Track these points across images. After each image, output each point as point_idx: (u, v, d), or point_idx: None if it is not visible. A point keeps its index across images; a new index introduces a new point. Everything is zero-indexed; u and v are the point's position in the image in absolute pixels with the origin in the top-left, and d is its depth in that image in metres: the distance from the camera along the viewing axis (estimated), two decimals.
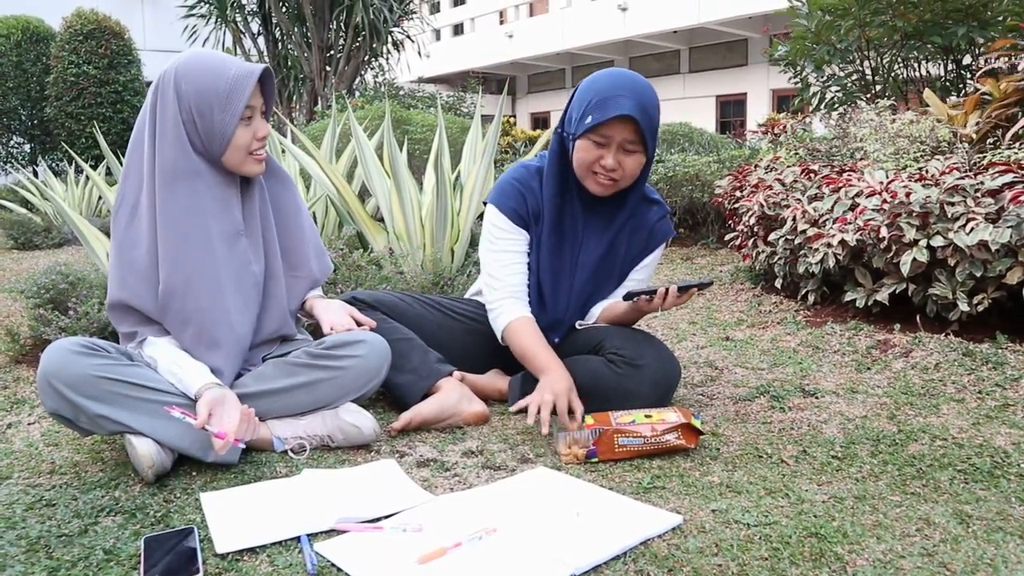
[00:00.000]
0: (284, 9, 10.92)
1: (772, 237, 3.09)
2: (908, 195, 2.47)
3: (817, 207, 2.87)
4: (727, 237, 3.80)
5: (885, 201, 2.54)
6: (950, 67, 4.58)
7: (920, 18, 4.14)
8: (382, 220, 3.34)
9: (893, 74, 4.78)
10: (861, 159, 3.40)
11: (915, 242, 2.41)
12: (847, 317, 2.75)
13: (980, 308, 2.33)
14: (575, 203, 1.96)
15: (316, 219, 3.61)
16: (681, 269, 4.17)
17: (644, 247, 2.03)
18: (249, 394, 1.69)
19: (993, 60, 3.69)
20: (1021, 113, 2.99)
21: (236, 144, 1.67)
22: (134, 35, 10.79)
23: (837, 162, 3.51)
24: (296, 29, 10.97)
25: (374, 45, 11.01)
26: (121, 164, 1.75)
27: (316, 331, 1.92)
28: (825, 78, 5.00)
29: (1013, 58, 3.44)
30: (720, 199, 3.98)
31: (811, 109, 5.12)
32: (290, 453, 1.70)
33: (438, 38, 25.24)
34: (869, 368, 2.29)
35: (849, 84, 4.92)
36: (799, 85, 5.21)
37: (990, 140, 3.03)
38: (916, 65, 4.68)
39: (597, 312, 2.01)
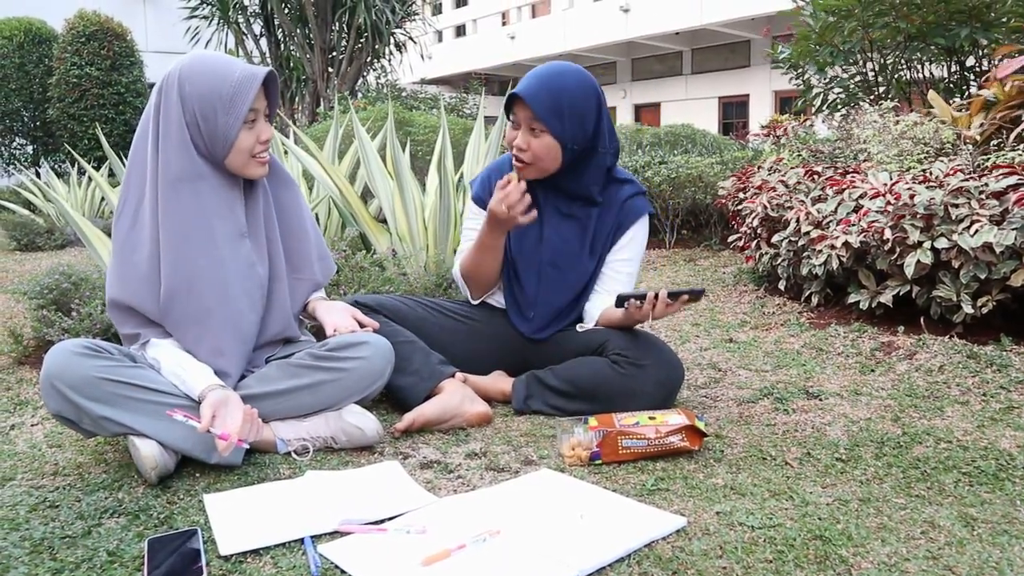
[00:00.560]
0: (286, 10, 10.92)
1: (775, 239, 3.08)
2: (912, 197, 2.47)
3: (821, 209, 2.87)
4: (730, 239, 3.80)
5: (889, 203, 2.54)
6: (953, 69, 4.58)
7: (923, 19, 4.13)
8: (385, 221, 3.34)
9: (896, 75, 4.77)
10: (864, 161, 3.40)
11: (919, 244, 2.41)
12: (851, 319, 2.74)
13: (984, 310, 2.33)
14: (541, 193, 2.02)
15: (319, 220, 3.61)
16: (684, 270, 4.17)
17: (616, 225, 2.04)
18: (252, 395, 1.68)
19: (997, 63, 3.68)
20: None
21: (239, 147, 1.67)
22: (136, 36, 10.79)
23: (840, 164, 3.50)
24: (298, 30, 10.98)
25: (376, 46, 11.02)
26: (123, 165, 1.75)
27: (319, 333, 1.92)
28: (828, 79, 4.99)
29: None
30: (723, 201, 3.97)
31: (813, 111, 5.11)
32: (293, 455, 1.69)
33: (440, 39, 25.26)
34: (873, 370, 2.28)
35: (852, 86, 4.92)
36: (801, 87, 5.20)
37: (994, 142, 3.02)
38: (919, 66, 4.68)
39: (596, 314, 2.00)
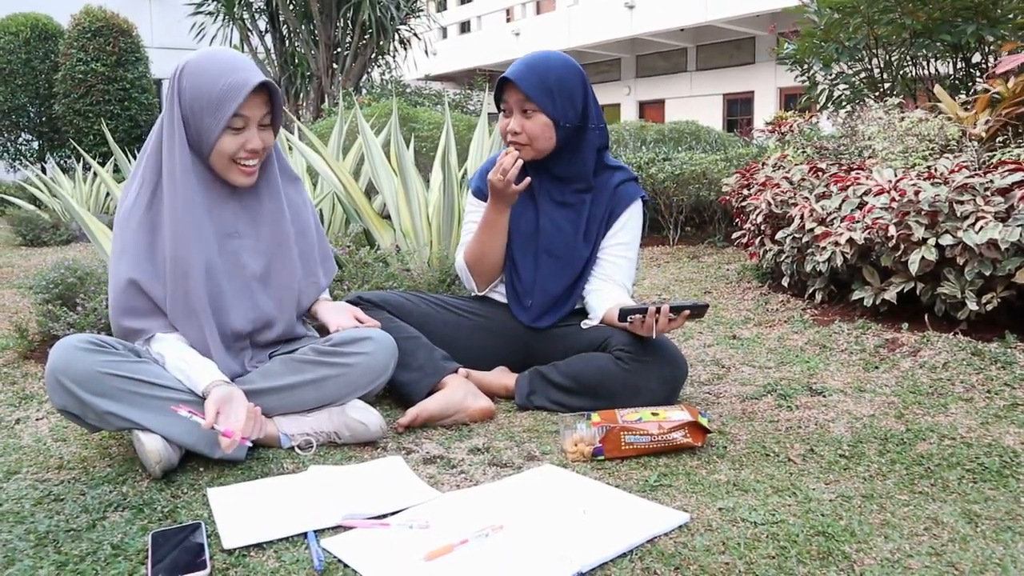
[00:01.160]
0: (291, 7, 10.92)
1: (779, 235, 3.08)
2: (917, 193, 2.46)
3: (825, 205, 2.86)
4: (734, 235, 3.79)
5: (893, 199, 2.53)
6: (959, 65, 4.56)
7: (929, 16, 4.12)
8: (389, 217, 3.34)
9: (901, 72, 4.76)
10: (869, 157, 3.39)
11: (924, 241, 2.40)
12: (855, 316, 2.74)
13: (989, 307, 2.32)
14: (535, 179, 2.06)
15: (323, 216, 3.62)
16: (688, 267, 4.16)
17: (608, 211, 2.07)
18: (256, 391, 1.69)
19: (1001, 61, 3.67)
20: None
21: (220, 150, 1.67)
22: (142, 32, 10.81)
23: (845, 160, 3.50)
24: (303, 27, 10.98)
25: (381, 43, 11.01)
26: (129, 161, 1.76)
27: (323, 331, 1.93)
28: (833, 76, 4.98)
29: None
30: (727, 197, 3.97)
31: (818, 107, 5.10)
32: (297, 449, 1.70)
33: (445, 36, 25.24)
34: (877, 367, 2.28)
35: (857, 82, 4.91)
36: (806, 84, 5.19)
37: (1000, 138, 3.02)
38: (925, 63, 4.67)
39: (601, 311, 2.00)
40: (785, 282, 3.18)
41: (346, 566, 1.21)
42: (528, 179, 1.98)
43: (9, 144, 11.10)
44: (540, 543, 1.26)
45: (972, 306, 2.34)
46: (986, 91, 3.21)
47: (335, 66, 11.08)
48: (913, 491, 1.46)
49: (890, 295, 2.56)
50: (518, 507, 1.40)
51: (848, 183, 2.88)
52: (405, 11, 11.25)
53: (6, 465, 1.66)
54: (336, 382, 1.74)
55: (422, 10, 12.01)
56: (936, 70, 4.69)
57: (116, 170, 7.77)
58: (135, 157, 7.65)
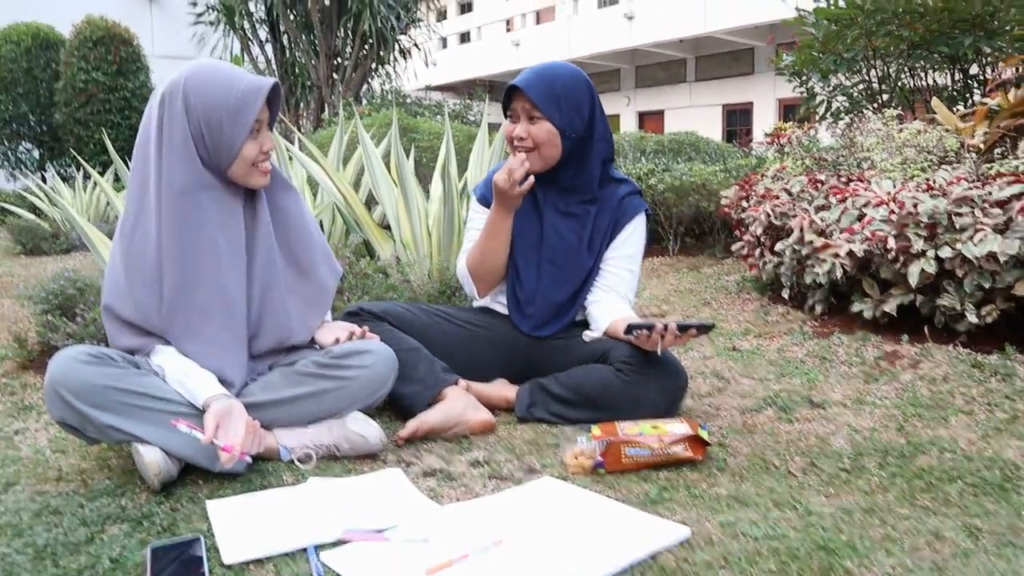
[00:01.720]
0: (292, 17, 10.95)
1: (779, 247, 3.08)
2: (916, 205, 2.46)
3: (824, 217, 2.87)
4: (733, 247, 3.79)
5: (892, 211, 2.54)
6: (957, 77, 4.58)
7: (927, 28, 4.14)
8: (389, 228, 3.35)
9: (899, 84, 4.77)
10: (868, 169, 3.40)
11: (923, 253, 2.41)
12: (854, 328, 2.74)
13: (989, 319, 2.32)
14: (540, 189, 2.07)
15: (323, 227, 3.62)
16: (688, 278, 4.16)
17: (613, 222, 2.08)
18: (256, 403, 1.68)
19: (1002, 74, 3.68)
20: None
21: (243, 157, 1.68)
22: (143, 42, 10.82)
23: (844, 172, 3.50)
24: (304, 37, 11.01)
25: (381, 53, 11.04)
26: (129, 171, 1.76)
27: None
28: (831, 87, 4.99)
29: (1022, 70, 3.44)
30: (727, 209, 3.97)
31: (817, 118, 5.11)
32: (296, 462, 1.69)
33: (444, 46, 25.30)
34: (877, 379, 2.28)
35: (855, 93, 4.92)
36: (805, 95, 5.21)
37: (998, 150, 3.02)
38: (923, 74, 4.68)
39: (604, 324, 2.00)
40: (785, 294, 3.18)
41: None
42: (532, 179, 1.98)
43: (10, 153, 11.10)
44: (541, 557, 1.26)
45: (972, 318, 2.34)
46: (983, 104, 3.22)
47: (335, 76, 11.11)
48: (914, 505, 1.46)
49: (890, 307, 2.56)
50: (518, 521, 1.39)
51: (847, 195, 2.89)
52: (405, 21, 11.28)
53: (4, 477, 1.66)
54: (336, 395, 1.74)
55: (422, 20, 12.05)
56: (934, 81, 4.70)
57: (116, 179, 7.77)
58: None
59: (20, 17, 11.16)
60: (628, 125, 21.48)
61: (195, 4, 11.32)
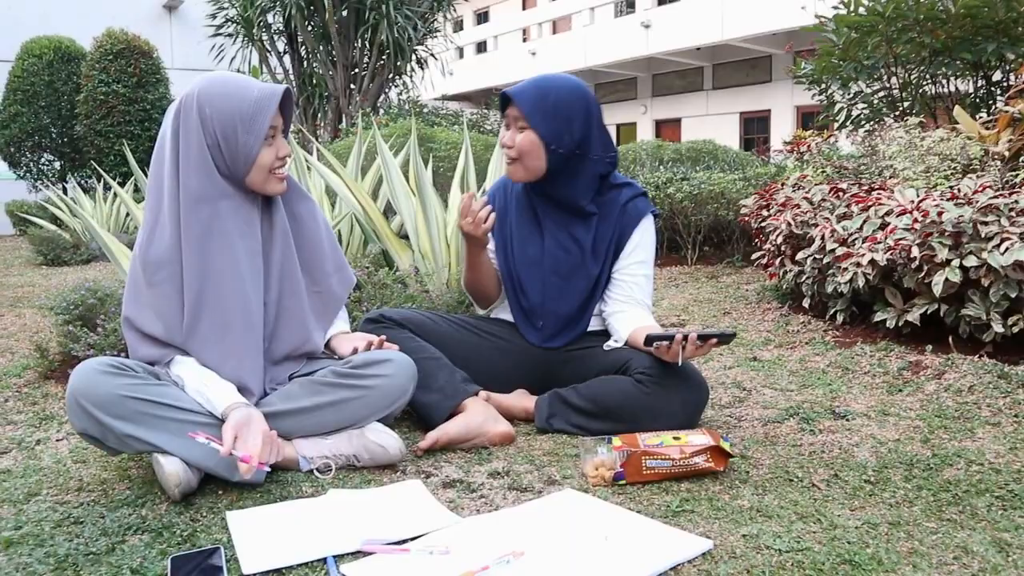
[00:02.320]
0: (310, 28, 11.02)
1: (800, 256, 3.05)
2: (940, 214, 2.43)
3: (846, 226, 2.84)
4: (753, 256, 3.77)
5: (916, 220, 2.51)
6: (979, 83, 4.53)
7: (949, 34, 4.10)
8: (407, 238, 3.35)
9: (921, 91, 4.73)
10: (891, 177, 3.36)
11: (947, 262, 2.37)
12: (877, 338, 2.71)
13: (1015, 329, 2.29)
14: (538, 203, 2.08)
15: (341, 237, 3.63)
16: (707, 288, 4.14)
17: (619, 228, 2.06)
18: (275, 413, 1.68)
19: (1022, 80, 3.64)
20: None
21: (260, 164, 1.69)
22: (162, 54, 10.94)
23: (865, 180, 3.47)
24: (321, 48, 11.08)
25: (398, 63, 11.08)
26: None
27: None
28: (851, 95, 4.96)
29: None
30: (746, 218, 3.95)
31: (836, 127, 5.08)
32: (316, 473, 1.69)
33: (461, 56, 25.38)
34: (901, 390, 2.24)
35: (876, 101, 4.88)
36: (824, 102, 5.17)
37: (1023, 158, 2.98)
38: (944, 82, 4.64)
39: (625, 334, 1.99)
40: (806, 303, 3.15)
41: None
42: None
43: (32, 164, 11.23)
44: (561, 570, 1.25)
45: (998, 328, 2.31)
46: (1006, 111, 3.18)
47: (353, 86, 11.16)
48: (941, 518, 1.43)
49: (913, 317, 2.53)
50: (539, 532, 1.38)
51: (870, 203, 2.86)
52: (423, 32, 11.33)
53: (26, 486, 1.67)
54: (355, 404, 1.73)
55: (439, 30, 12.08)
56: (956, 89, 4.66)
57: (136, 190, 7.84)
58: None
59: (42, 31, 11.32)
60: (645, 133, 21.43)
61: (214, 16, 11.43)
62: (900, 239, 2.51)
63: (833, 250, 2.81)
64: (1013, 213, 2.37)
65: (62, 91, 10.87)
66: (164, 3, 14.87)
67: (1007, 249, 2.25)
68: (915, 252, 2.43)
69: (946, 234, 2.41)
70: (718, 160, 5.79)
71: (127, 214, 7.44)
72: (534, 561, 1.27)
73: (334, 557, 1.30)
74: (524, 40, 24.60)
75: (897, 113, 4.66)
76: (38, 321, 3.73)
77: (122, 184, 8.97)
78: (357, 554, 1.33)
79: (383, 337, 1.87)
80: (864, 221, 2.78)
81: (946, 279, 2.36)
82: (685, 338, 1.77)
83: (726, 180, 4.81)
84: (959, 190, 2.62)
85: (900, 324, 2.59)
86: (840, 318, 2.92)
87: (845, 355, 2.59)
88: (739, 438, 1.89)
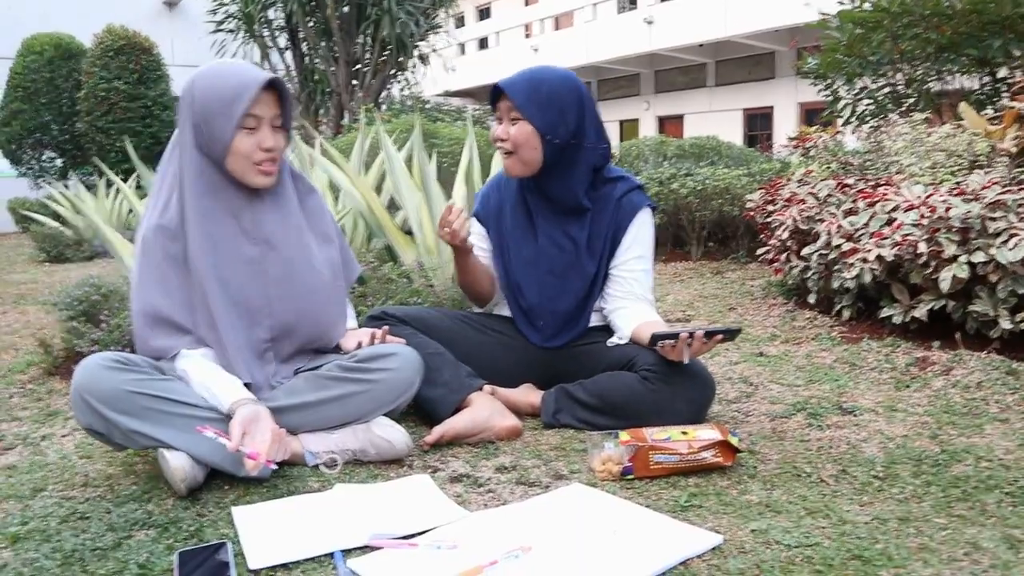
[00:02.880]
0: (311, 24, 11.01)
1: (805, 252, 3.04)
2: (948, 210, 2.42)
3: (853, 221, 2.83)
4: (758, 251, 3.76)
5: (923, 216, 2.50)
6: (985, 80, 4.52)
7: (955, 30, 4.08)
8: (411, 233, 3.34)
9: (926, 87, 4.72)
10: (896, 173, 3.35)
11: (955, 258, 2.36)
12: (884, 334, 2.70)
13: (1023, 326, 2.28)
14: (532, 197, 2.06)
15: (345, 232, 3.62)
16: (711, 283, 4.13)
17: (614, 224, 2.03)
18: (281, 407, 1.68)
19: None
20: None
21: (236, 151, 1.67)
22: (163, 51, 10.92)
23: (871, 176, 3.46)
24: (323, 43, 11.06)
25: (400, 59, 11.06)
26: (151, 177, 1.78)
27: None
28: (856, 91, 4.94)
29: None
30: (752, 213, 3.94)
31: (841, 123, 5.06)
32: (322, 467, 1.69)
33: (463, 52, 25.36)
34: (908, 386, 2.24)
35: (881, 97, 4.87)
36: (829, 98, 5.16)
37: None
38: (950, 78, 4.62)
39: (628, 331, 1.98)
40: (811, 299, 3.14)
41: None
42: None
43: (33, 161, 11.23)
44: (569, 565, 1.24)
45: (1006, 324, 2.30)
46: (1012, 107, 3.16)
47: (355, 82, 11.15)
48: (951, 514, 1.42)
49: (920, 313, 2.52)
50: (547, 527, 1.37)
51: (876, 199, 2.85)
52: (425, 28, 11.30)
53: (32, 482, 1.66)
54: (361, 398, 1.72)
55: (441, 26, 12.06)
56: (962, 85, 4.64)
57: (138, 186, 7.83)
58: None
59: (42, 28, 11.31)
60: (648, 130, 21.39)
61: (214, 12, 11.41)
62: (907, 235, 2.50)
63: (839, 246, 2.80)
64: (1021, 209, 2.35)
65: (63, 88, 10.86)
66: None
67: (1015, 245, 2.24)
68: (922, 248, 2.42)
69: (954, 230, 2.40)
70: (722, 156, 5.79)
71: (129, 210, 7.43)
72: (542, 556, 1.27)
73: (341, 552, 1.29)
74: (526, 36, 24.58)
75: (902, 109, 4.65)
76: (42, 318, 3.73)
77: (124, 180, 8.94)
78: (364, 549, 1.32)
79: (385, 328, 1.86)
80: (871, 217, 2.77)
81: (954, 275, 2.35)
82: (691, 336, 1.76)
83: (731, 176, 4.80)
84: (967, 186, 2.61)
85: (907, 320, 2.58)
86: (846, 314, 2.91)
87: (852, 351, 2.59)
88: (746, 433, 1.89)
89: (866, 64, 4.60)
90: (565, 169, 1.99)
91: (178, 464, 1.52)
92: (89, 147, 10.28)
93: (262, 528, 1.39)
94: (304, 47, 11.50)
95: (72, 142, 11.02)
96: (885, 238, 2.58)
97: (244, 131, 1.66)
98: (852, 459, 1.70)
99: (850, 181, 3.26)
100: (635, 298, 2.03)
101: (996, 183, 2.56)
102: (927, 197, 2.60)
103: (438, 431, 1.81)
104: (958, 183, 2.76)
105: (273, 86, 1.69)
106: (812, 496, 1.51)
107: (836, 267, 2.85)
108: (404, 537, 1.35)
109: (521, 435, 1.89)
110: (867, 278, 2.62)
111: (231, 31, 11.50)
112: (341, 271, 1.90)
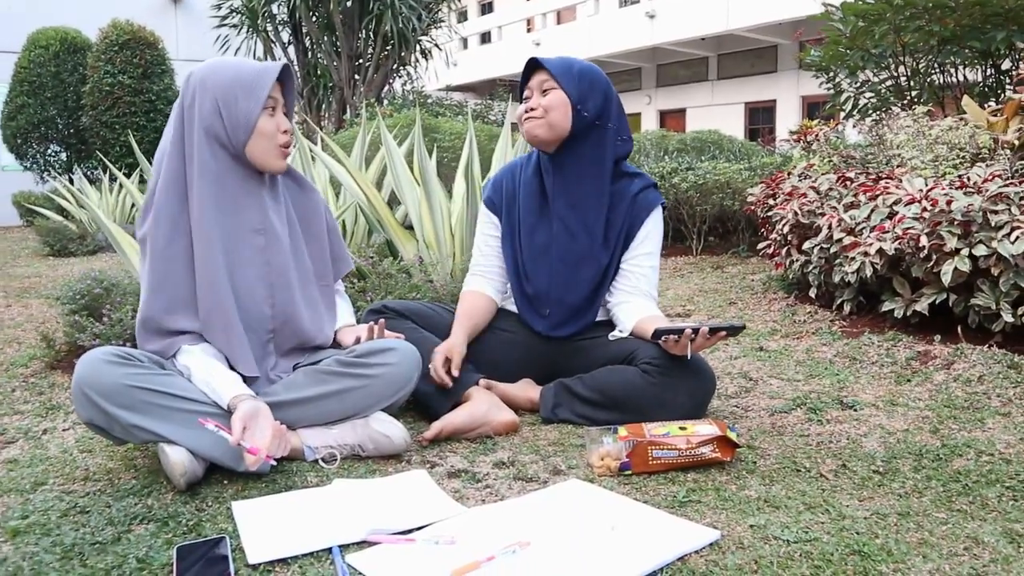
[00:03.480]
0: (314, 19, 11.00)
1: (806, 246, 3.04)
2: (949, 203, 2.41)
3: (854, 215, 2.82)
4: (759, 246, 3.75)
5: (925, 209, 2.49)
6: (988, 72, 4.50)
7: (958, 22, 4.07)
8: (411, 228, 3.34)
9: (929, 80, 4.70)
10: (898, 166, 3.34)
11: (957, 251, 2.36)
12: (885, 328, 2.69)
13: None
14: (550, 179, 2.05)
15: (345, 227, 3.62)
16: (712, 278, 4.12)
17: (629, 218, 2.04)
18: (280, 402, 1.68)
19: None
20: None
21: (260, 131, 1.70)
22: (167, 45, 10.94)
23: (873, 169, 3.45)
24: (326, 38, 11.05)
25: (403, 54, 11.05)
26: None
27: None
28: (859, 84, 4.93)
29: None
30: (752, 207, 3.93)
31: (843, 116, 5.05)
32: (320, 462, 1.69)
33: (465, 46, 25.30)
34: (909, 380, 2.23)
35: (883, 90, 4.85)
36: (831, 91, 5.14)
37: None
38: (953, 70, 4.61)
39: (630, 325, 1.98)
40: (812, 293, 3.13)
41: None
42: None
43: (38, 155, 11.26)
44: (568, 560, 1.24)
45: (1007, 318, 2.29)
46: (1013, 99, 3.15)
47: (357, 77, 11.14)
48: (951, 509, 1.42)
49: (921, 306, 2.51)
50: (545, 523, 1.37)
51: (877, 192, 2.84)
52: (427, 22, 11.29)
53: (33, 476, 1.67)
54: (359, 393, 1.73)
55: (443, 21, 12.04)
56: (964, 78, 4.63)
57: (142, 181, 7.85)
58: None
59: (48, 22, 11.32)
60: (649, 124, 21.35)
61: (219, 7, 11.41)
62: (908, 228, 2.49)
63: (840, 239, 2.79)
64: None
65: (68, 82, 10.88)
66: None
67: (1017, 238, 2.23)
68: (924, 241, 2.41)
69: (955, 223, 2.39)
70: (723, 150, 5.76)
71: (133, 205, 7.44)
72: (540, 551, 1.27)
73: (339, 547, 1.29)
74: (528, 30, 24.51)
75: (905, 102, 4.63)
76: (45, 311, 3.73)
77: (128, 175, 8.98)
78: (362, 544, 1.32)
79: (382, 321, 1.86)
80: (872, 210, 2.77)
81: (955, 268, 2.34)
82: (694, 331, 1.75)
83: (732, 170, 4.79)
84: (968, 179, 2.60)
85: (908, 314, 2.58)
86: (847, 308, 2.90)
87: (852, 345, 2.58)
88: (746, 428, 1.88)
89: (868, 57, 4.58)
90: (589, 149, 2.00)
91: (178, 459, 1.52)
92: (93, 141, 10.30)
93: (261, 523, 1.39)
94: (307, 42, 11.50)
95: (77, 136, 11.04)
96: (886, 232, 2.58)
97: (266, 112, 1.70)
98: (852, 454, 1.70)
99: (851, 175, 3.25)
100: (640, 293, 2.03)
101: (998, 176, 2.55)
102: (929, 190, 2.59)
103: (436, 426, 1.81)
104: (960, 176, 2.75)
105: (280, 75, 1.75)
106: (811, 491, 1.51)
107: (837, 261, 2.85)
108: (402, 532, 1.35)
109: (519, 430, 1.89)
110: (868, 272, 2.61)
111: (235, 26, 11.50)
112: (329, 270, 1.91)
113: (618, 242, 2.04)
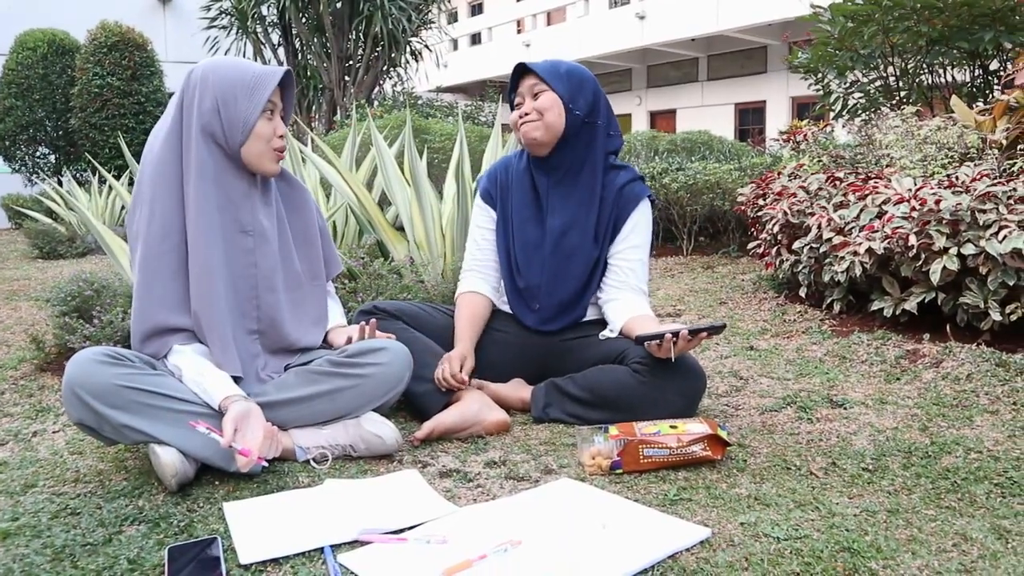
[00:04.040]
0: (304, 20, 10.98)
1: (796, 245, 3.05)
2: (938, 202, 2.43)
3: (843, 215, 2.84)
4: (749, 245, 3.76)
5: (914, 209, 2.50)
6: (976, 72, 4.53)
7: (946, 23, 4.09)
8: (402, 229, 3.34)
9: (917, 80, 4.73)
10: (887, 166, 3.36)
11: (945, 250, 2.37)
12: (874, 326, 2.71)
13: (1013, 317, 2.29)
14: (543, 178, 2.08)
15: (336, 228, 3.62)
16: (702, 278, 4.14)
17: (617, 211, 2.06)
18: (271, 403, 1.68)
19: (1018, 69, 3.63)
20: None
21: (257, 134, 1.71)
22: (156, 47, 10.88)
23: (862, 169, 3.47)
24: (316, 39, 11.04)
25: (393, 55, 11.05)
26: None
27: None
28: (848, 84, 4.95)
29: None
30: (742, 207, 3.94)
31: (832, 116, 5.07)
32: (312, 463, 1.69)
33: (455, 48, 25.29)
34: (898, 378, 2.25)
35: (872, 90, 4.88)
36: (820, 92, 5.16)
37: (1020, 146, 2.98)
38: (941, 71, 4.63)
39: (619, 323, 1.98)
40: (802, 292, 3.15)
41: None
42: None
43: (27, 158, 11.18)
44: (559, 558, 1.24)
45: (996, 316, 2.30)
46: (1001, 100, 3.18)
47: (347, 78, 11.13)
48: (940, 506, 1.43)
49: (910, 305, 2.53)
50: (536, 522, 1.38)
51: (866, 192, 2.86)
52: (417, 23, 11.29)
53: (23, 478, 1.66)
54: (351, 393, 1.73)
55: (433, 22, 12.04)
56: (953, 78, 4.65)
57: (131, 183, 7.81)
58: None
59: (36, 24, 11.25)
60: (640, 125, 21.38)
61: (208, 9, 11.38)
62: (897, 227, 2.51)
63: (830, 239, 2.80)
64: (1011, 201, 2.36)
65: (57, 84, 10.82)
66: None
67: (1005, 237, 2.25)
68: (912, 240, 2.43)
69: (944, 222, 2.41)
70: (713, 150, 5.78)
71: (122, 207, 7.41)
72: (531, 550, 1.27)
73: (331, 547, 1.29)
74: (518, 31, 24.53)
75: (894, 102, 4.66)
76: (34, 314, 3.71)
77: (117, 177, 8.93)
78: (354, 544, 1.32)
79: (373, 321, 1.86)
80: (861, 210, 2.78)
81: (944, 267, 2.35)
82: (675, 335, 1.76)
83: (722, 170, 4.80)
84: (957, 178, 2.62)
85: (897, 313, 2.59)
86: (837, 307, 2.92)
87: (842, 344, 2.59)
88: (736, 427, 1.89)
89: (857, 57, 4.60)
90: (584, 145, 2.03)
91: (169, 460, 1.52)
92: (82, 143, 10.24)
93: (252, 523, 1.39)
94: (297, 43, 11.48)
95: (66, 138, 10.98)
96: (875, 231, 2.59)
97: (265, 115, 1.71)
98: (842, 452, 1.71)
99: (840, 174, 3.27)
100: (629, 288, 2.03)
101: (986, 175, 2.57)
102: (918, 190, 2.61)
103: (428, 426, 1.81)
104: (949, 175, 2.77)
105: (282, 81, 1.76)
106: (801, 489, 1.52)
107: (827, 260, 2.86)
108: (394, 532, 1.36)
109: (510, 429, 1.90)
110: (857, 271, 2.63)
111: (224, 28, 11.47)
112: (322, 270, 1.91)
113: (605, 235, 2.06)
